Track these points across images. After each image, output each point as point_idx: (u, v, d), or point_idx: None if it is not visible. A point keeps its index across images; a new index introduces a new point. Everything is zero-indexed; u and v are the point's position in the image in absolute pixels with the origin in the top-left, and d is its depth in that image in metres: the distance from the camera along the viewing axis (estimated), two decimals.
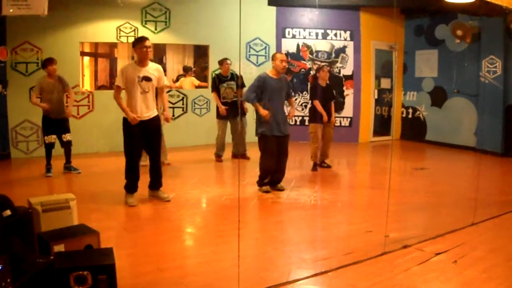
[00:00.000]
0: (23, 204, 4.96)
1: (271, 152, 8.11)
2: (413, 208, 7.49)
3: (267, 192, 8.17)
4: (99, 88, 14.05)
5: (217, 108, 10.96)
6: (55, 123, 9.32)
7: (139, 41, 7.15)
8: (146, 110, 7.19)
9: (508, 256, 5.34)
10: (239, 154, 11.25)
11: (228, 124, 11.13)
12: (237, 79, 11.00)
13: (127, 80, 7.07)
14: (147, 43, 7.11)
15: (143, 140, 7.27)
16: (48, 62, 9.22)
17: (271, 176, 8.33)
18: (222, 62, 11.04)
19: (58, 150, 9.46)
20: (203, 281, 4.59)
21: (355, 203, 8.22)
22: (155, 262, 5.09)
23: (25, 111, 11.00)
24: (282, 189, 8.36)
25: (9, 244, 3.79)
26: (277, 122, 8.06)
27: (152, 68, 7.26)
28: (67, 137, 9.47)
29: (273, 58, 8.23)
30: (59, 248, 4.29)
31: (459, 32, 12.63)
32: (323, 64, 13.58)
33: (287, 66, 8.44)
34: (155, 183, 7.62)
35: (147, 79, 7.11)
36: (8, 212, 4.22)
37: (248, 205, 7.43)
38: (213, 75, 11.43)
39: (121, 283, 3.90)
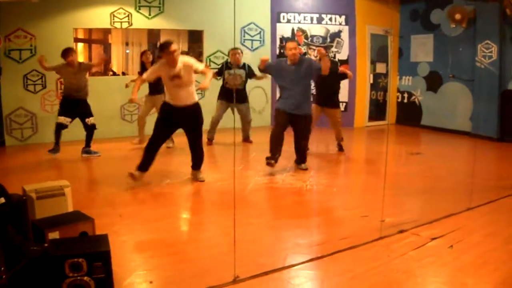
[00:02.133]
0: (17, 192, 4.94)
1: (279, 125, 8.51)
2: (409, 192, 7.49)
3: (269, 165, 8.36)
4: (93, 74, 13.98)
5: (220, 90, 11.30)
6: (74, 104, 9.44)
7: (165, 48, 7.37)
8: (183, 99, 7.60)
9: (504, 241, 5.34)
10: (243, 138, 11.51)
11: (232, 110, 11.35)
12: (249, 71, 11.16)
13: (161, 76, 7.64)
14: (172, 48, 7.33)
15: (177, 125, 7.83)
16: (65, 54, 9.36)
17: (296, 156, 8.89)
18: (230, 53, 11.28)
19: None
20: (198, 267, 4.58)
21: (351, 188, 8.22)
22: (150, 249, 5.08)
23: (19, 98, 10.97)
24: (305, 168, 8.77)
25: (2, 232, 3.76)
26: (291, 102, 8.43)
27: (181, 65, 7.48)
28: (90, 120, 9.69)
29: (285, 47, 8.85)
30: (53, 235, 4.27)
31: (457, 16, 12.61)
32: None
33: (297, 53, 8.53)
34: (195, 164, 8.04)
35: (177, 77, 7.44)
36: (1, 200, 4.19)
37: (244, 190, 7.42)
38: (224, 61, 11.58)
39: (116, 270, 3.89)
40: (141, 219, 6.08)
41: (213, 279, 4.24)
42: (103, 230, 4.56)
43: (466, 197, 6.69)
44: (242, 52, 11.22)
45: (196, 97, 7.76)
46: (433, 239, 5.31)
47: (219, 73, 11.21)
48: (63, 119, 9.38)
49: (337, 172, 9.36)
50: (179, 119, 7.63)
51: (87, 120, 9.60)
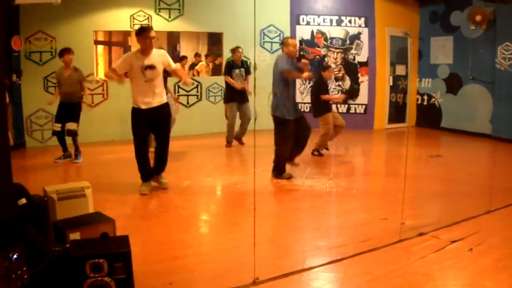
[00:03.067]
0: (38, 193, 4.98)
1: (289, 140, 8.12)
2: (429, 195, 7.46)
3: (290, 178, 8.22)
4: None
5: (225, 93, 11.53)
6: (65, 108, 9.35)
7: (143, 31, 7.07)
8: (153, 98, 7.17)
9: None
10: (237, 138, 11.47)
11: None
12: (247, 67, 11.24)
13: (131, 68, 7.09)
14: (151, 34, 7.03)
15: (150, 127, 7.35)
16: (64, 52, 9.26)
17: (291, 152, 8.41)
18: (234, 50, 11.27)
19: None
20: (218, 268, 4.60)
21: (371, 190, 8.19)
22: (171, 250, 5.10)
23: (40, 100, 11.05)
24: (298, 165, 8.65)
25: (24, 233, 3.80)
26: (294, 105, 8.25)
27: (156, 56, 7.17)
28: (71, 125, 9.29)
29: (286, 44, 8.17)
30: (74, 236, 4.30)
31: (478, 18, 12.53)
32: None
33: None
34: (157, 168, 7.57)
35: (151, 67, 7.06)
36: (23, 201, 4.24)
37: (264, 192, 7.43)
38: (227, 60, 11.63)
39: (136, 271, 3.91)
40: (160, 220, 6.12)
41: (232, 281, 4.26)
42: (124, 232, 4.59)
43: (486, 200, 6.65)
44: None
45: (165, 97, 7.43)
46: (452, 242, 5.29)
47: (227, 72, 11.22)
48: (55, 126, 9.37)
49: (357, 175, 9.35)
50: (149, 122, 7.25)
51: (67, 124, 9.28)
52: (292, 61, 8.16)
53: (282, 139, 8.14)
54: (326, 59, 14.01)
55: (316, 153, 10.19)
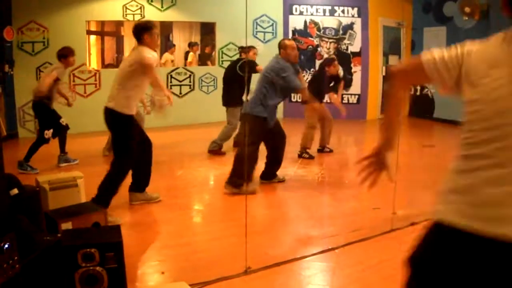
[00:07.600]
0: (31, 183, 4.98)
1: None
2: (421, 185, 7.47)
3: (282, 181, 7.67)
4: (106, 66, 14.03)
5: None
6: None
7: (152, 28, 5.92)
8: None
9: None
10: None
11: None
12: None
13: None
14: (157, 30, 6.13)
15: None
16: (70, 53, 8.61)
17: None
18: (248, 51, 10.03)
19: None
20: (210, 258, 4.61)
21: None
22: (163, 239, 5.12)
23: (32, 90, 11.01)
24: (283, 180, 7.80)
25: (16, 222, 3.80)
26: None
27: None
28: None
29: (284, 46, 7.36)
30: (66, 225, 4.30)
31: (467, 9, 12.55)
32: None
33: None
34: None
35: None
36: (15, 191, 4.24)
37: (256, 182, 7.42)
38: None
39: (128, 260, 3.91)
40: (153, 210, 6.11)
41: (224, 270, 4.27)
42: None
43: None
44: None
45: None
46: None
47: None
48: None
49: (349, 165, 9.33)
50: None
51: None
52: (294, 67, 7.41)
53: (257, 141, 7.19)
54: (319, 48, 14.00)
55: (306, 155, 9.20)
